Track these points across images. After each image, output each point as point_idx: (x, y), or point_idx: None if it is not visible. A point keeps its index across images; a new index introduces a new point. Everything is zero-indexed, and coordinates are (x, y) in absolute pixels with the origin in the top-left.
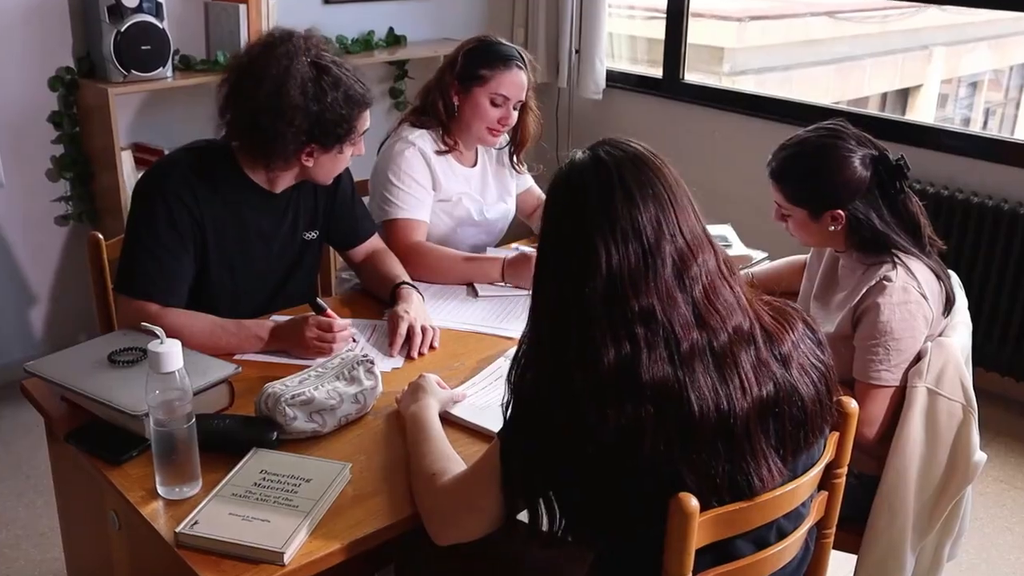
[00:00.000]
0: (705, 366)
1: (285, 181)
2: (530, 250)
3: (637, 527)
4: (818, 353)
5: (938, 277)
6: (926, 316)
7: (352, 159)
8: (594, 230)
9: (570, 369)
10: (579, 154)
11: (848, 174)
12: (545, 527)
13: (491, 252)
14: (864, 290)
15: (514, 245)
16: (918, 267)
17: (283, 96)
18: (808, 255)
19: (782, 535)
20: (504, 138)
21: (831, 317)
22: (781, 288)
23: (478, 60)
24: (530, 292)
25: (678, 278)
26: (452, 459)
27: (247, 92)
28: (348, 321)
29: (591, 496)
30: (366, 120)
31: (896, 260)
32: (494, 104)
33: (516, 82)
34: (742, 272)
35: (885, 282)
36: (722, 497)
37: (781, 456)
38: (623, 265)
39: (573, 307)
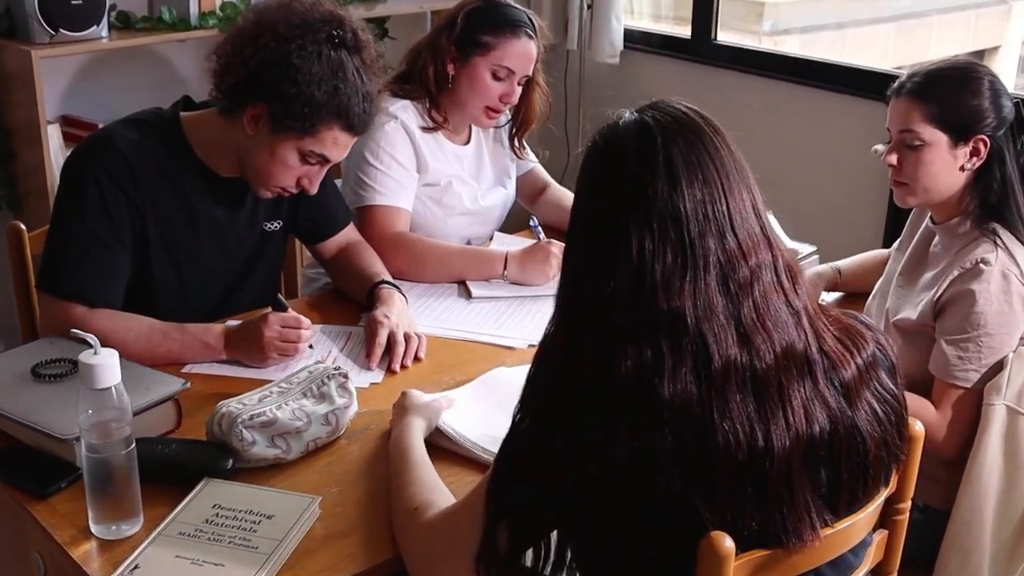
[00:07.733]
0: (742, 393)
1: (227, 158)
2: (545, 240)
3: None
4: (889, 384)
5: None
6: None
7: None
8: (627, 212)
9: (581, 372)
10: (626, 115)
11: (1002, 98)
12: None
13: (496, 246)
14: (955, 273)
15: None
16: (1020, 252)
17: (282, 34)
18: (890, 249)
19: None
20: (504, 116)
21: (914, 300)
22: (861, 287)
23: (481, 23)
24: (534, 292)
25: (722, 283)
26: (438, 490)
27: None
28: (315, 328)
29: (598, 531)
30: (336, 138)
31: (997, 241)
32: (496, 77)
33: (524, 53)
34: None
35: (983, 266)
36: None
37: (832, 509)
38: (655, 258)
39: (594, 299)
